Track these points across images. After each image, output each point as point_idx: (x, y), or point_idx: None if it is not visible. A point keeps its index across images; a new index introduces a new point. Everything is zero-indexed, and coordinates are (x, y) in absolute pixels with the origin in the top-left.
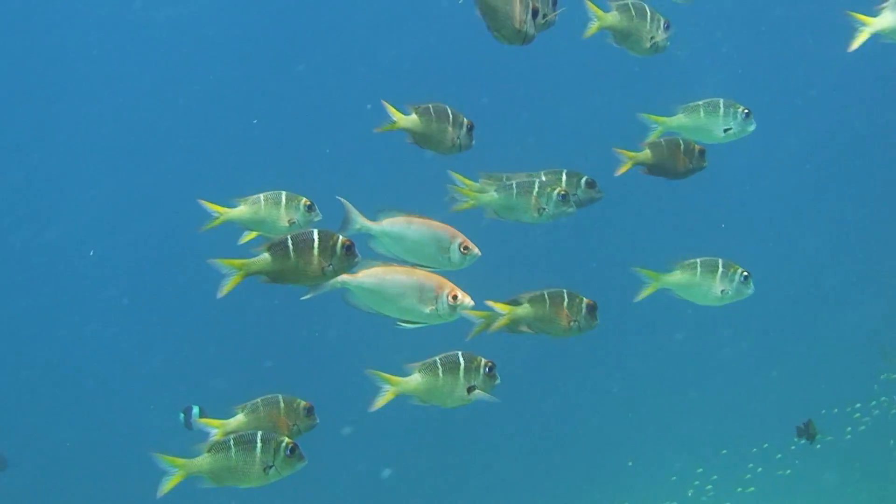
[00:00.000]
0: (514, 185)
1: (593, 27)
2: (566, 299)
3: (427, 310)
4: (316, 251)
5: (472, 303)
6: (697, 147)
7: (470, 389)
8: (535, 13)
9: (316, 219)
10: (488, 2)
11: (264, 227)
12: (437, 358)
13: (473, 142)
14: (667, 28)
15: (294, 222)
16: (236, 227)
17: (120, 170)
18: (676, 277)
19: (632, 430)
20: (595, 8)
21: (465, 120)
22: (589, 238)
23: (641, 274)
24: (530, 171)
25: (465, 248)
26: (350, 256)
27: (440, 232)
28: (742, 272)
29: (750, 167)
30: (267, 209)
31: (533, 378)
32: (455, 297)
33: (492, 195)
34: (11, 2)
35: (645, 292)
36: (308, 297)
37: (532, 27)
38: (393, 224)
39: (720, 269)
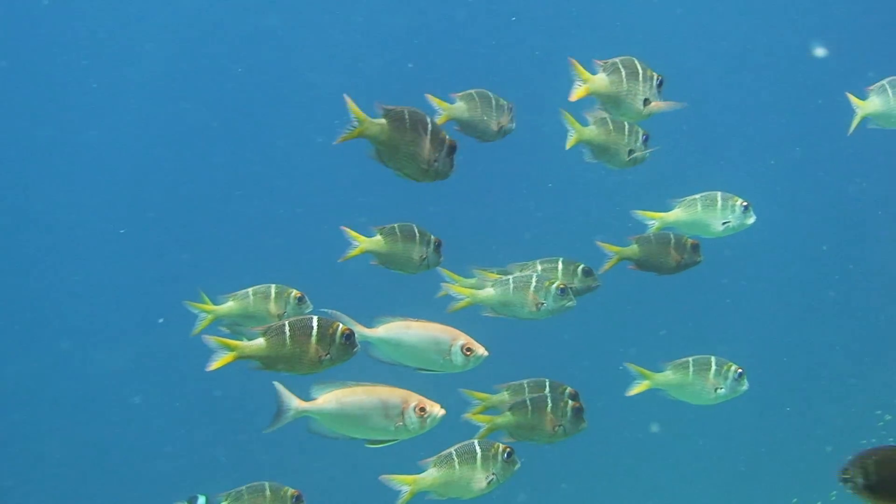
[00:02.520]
0: (510, 281)
1: (571, 140)
2: (549, 403)
3: (394, 427)
4: (314, 339)
5: (441, 412)
6: (690, 241)
7: None
8: (451, 149)
9: (307, 310)
10: (387, 142)
11: (254, 322)
12: (452, 449)
13: (442, 258)
14: (646, 140)
15: (285, 316)
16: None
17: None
18: (669, 378)
19: None
20: (573, 122)
21: (433, 238)
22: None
23: (634, 371)
24: (524, 259)
25: (469, 349)
26: (349, 347)
27: (440, 335)
28: (736, 369)
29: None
30: (256, 303)
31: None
32: (423, 410)
33: (488, 292)
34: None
35: (636, 390)
36: (270, 430)
37: (446, 164)
38: (390, 330)
39: (713, 367)
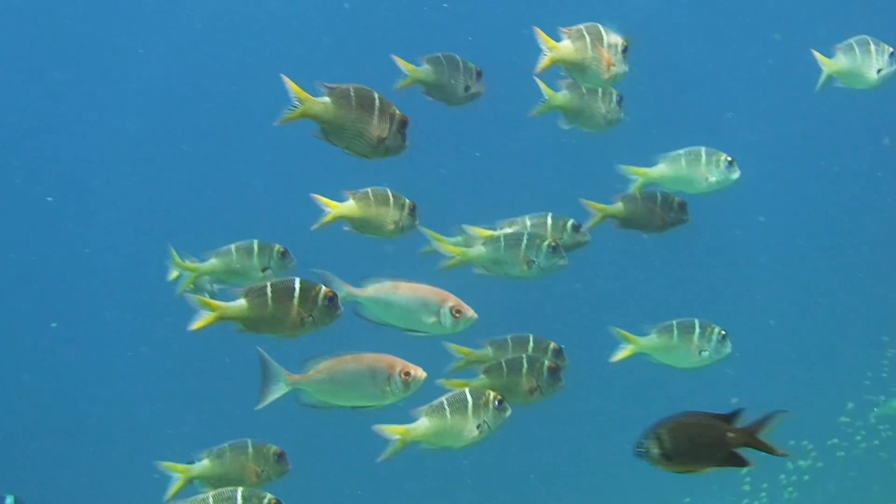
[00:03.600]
0: (501, 239)
1: (543, 108)
2: (525, 365)
3: (382, 393)
4: (296, 301)
5: (424, 375)
6: (677, 200)
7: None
8: (402, 124)
9: (290, 265)
10: (332, 121)
11: (238, 279)
12: (443, 399)
13: (417, 222)
14: (619, 101)
15: (269, 270)
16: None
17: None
18: (653, 342)
19: None
20: (546, 88)
21: (408, 202)
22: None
23: (619, 336)
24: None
25: (458, 311)
26: (332, 309)
27: (429, 296)
28: (719, 331)
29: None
30: (239, 259)
31: None
32: (408, 374)
33: (479, 250)
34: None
35: (621, 356)
36: (262, 406)
37: (397, 139)
38: (379, 290)
39: (697, 330)
